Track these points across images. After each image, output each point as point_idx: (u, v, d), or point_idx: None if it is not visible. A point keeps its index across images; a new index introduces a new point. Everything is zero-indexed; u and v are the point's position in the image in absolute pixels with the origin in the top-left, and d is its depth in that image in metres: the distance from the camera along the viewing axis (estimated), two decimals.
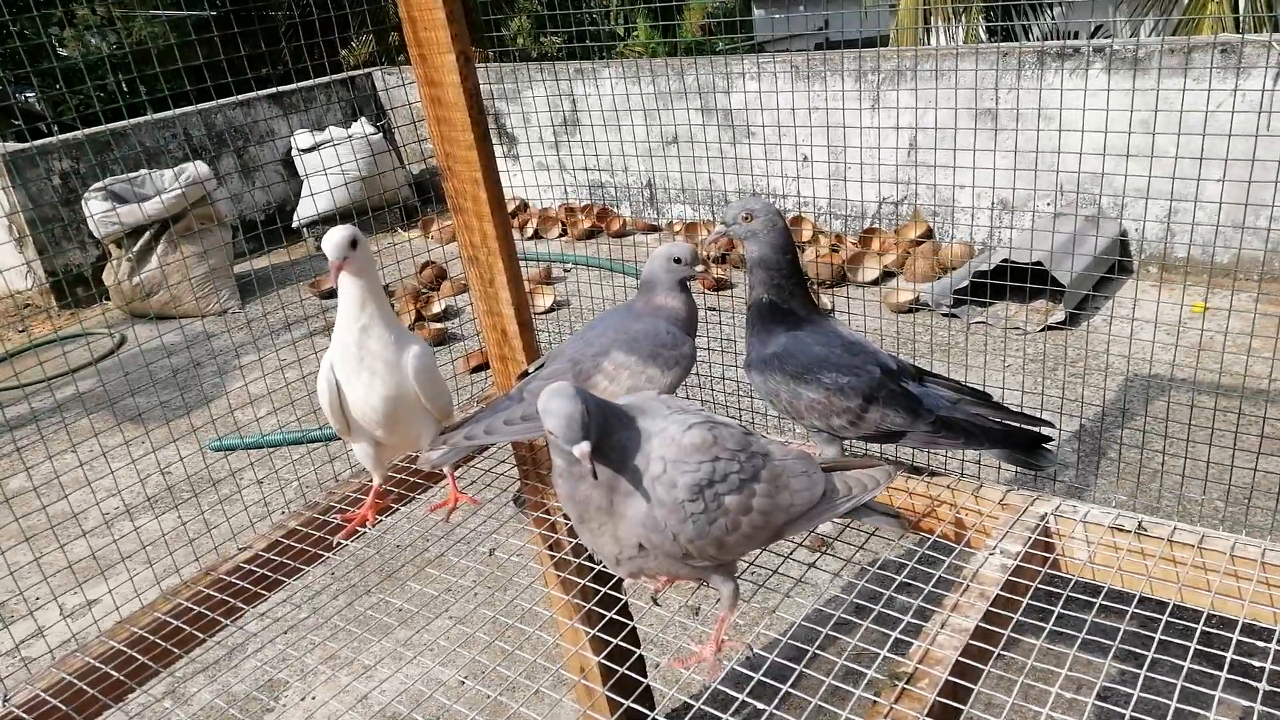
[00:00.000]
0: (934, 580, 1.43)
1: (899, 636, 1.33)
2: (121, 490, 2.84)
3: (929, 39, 8.27)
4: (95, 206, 6.26)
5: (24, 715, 1.48)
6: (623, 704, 1.31)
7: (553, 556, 1.84)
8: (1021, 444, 1.65)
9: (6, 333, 6.53)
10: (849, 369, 1.61)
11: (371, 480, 1.80)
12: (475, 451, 1.91)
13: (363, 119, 7.99)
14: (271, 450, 4.34)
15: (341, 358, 1.69)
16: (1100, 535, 1.49)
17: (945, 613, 1.35)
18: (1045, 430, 1.67)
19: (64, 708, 1.51)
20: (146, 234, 6.38)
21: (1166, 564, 1.43)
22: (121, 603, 1.94)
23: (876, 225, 6.11)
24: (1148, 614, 1.34)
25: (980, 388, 1.73)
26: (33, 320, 6.71)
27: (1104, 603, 1.33)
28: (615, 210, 7.24)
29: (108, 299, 6.59)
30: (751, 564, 1.47)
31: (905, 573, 1.43)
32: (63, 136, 6.85)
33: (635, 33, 12.10)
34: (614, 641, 1.45)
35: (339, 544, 1.69)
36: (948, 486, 1.66)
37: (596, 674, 2.11)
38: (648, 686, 2.09)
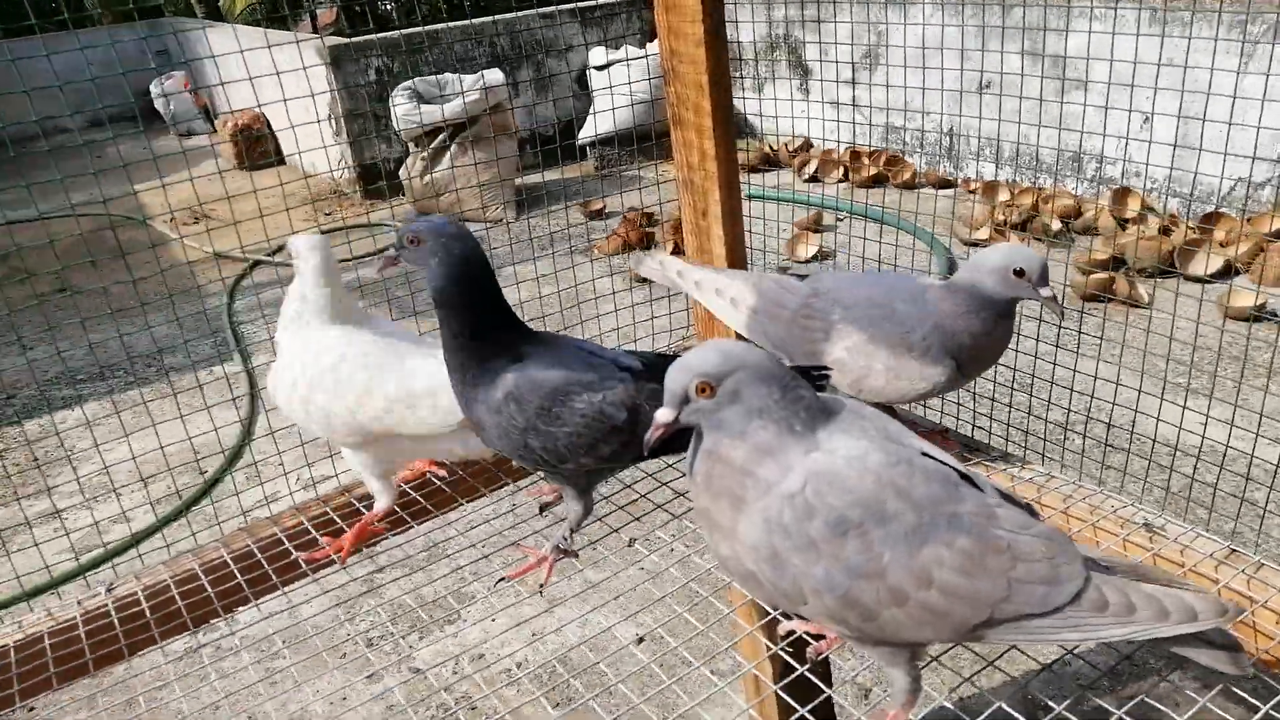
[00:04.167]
0: None
1: None
2: None
3: None
4: (400, 104, 6.60)
5: (227, 558, 1.53)
6: None
7: None
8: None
9: (316, 213, 7.14)
10: (599, 385, 1.26)
11: None
12: None
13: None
14: None
15: None
16: None
17: None
18: None
19: (239, 576, 1.51)
20: (442, 135, 6.66)
21: None
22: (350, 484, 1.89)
23: (1225, 210, 5.05)
24: None
25: None
26: (339, 205, 7.28)
27: None
28: (907, 158, 6.58)
29: (403, 194, 6.99)
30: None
31: (1189, 713, 0.97)
32: (382, 35, 7.26)
33: None
34: (799, 669, 1.14)
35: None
36: None
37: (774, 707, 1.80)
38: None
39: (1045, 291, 1.30)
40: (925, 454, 0.98)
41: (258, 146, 8.15)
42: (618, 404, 1.25)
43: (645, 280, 1.69)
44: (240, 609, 1.52)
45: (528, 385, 1.26)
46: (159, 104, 9.75)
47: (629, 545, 1.40)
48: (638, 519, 1.49)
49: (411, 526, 1.62)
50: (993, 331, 1.36)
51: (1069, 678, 1.33)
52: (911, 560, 0.90)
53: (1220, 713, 1.00)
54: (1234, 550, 1.24)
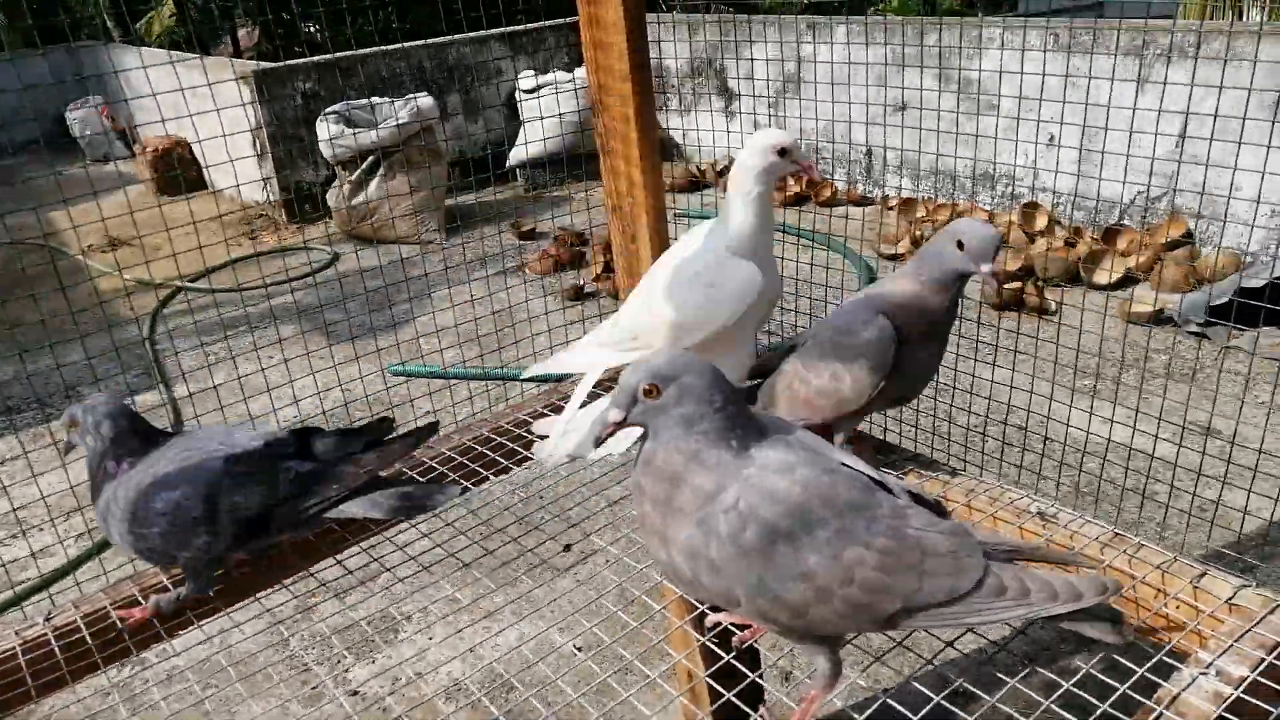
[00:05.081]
0: (1114, 697, 1.07)
1: None
2: (299, 400, 2.90)
3: (1225, 18, 7.16)
4: (328, 129, 6.57)
5: (167, 584, 1.52)
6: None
7: None
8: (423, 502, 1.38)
9: (240, 239, 7.04)
10: (180, 479, 1.35)
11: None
12: None
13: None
14: (448, 382, 4.38)
15: None
16: None
17: None
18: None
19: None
20: (370, 159, 6.65)
21: None
22: None
23: (1126, 222, 5.35)
24: None
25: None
26: (264, 231, 7.19)
27: None
28: (828, 178, 6.80)
29: (330, 218, 6.95)
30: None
31: (1074, 679, 1.08)
32: (311, 59, 7.23)
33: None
34: (726, 658, 1.22)
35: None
36: (1158, 567, 1.26)
37: (704, 695, 1.87)
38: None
39: (985, 268, 1.26)
40: (844, 464, 1.08)
41: (179, 172, 8.01)
42: (194, 498, 1.34)
43: (578, 298, 1.77)
44: (182, 632, 1.53)
45: (119, 492, 1.37)
46: (75, 130, 9.49)
47: (565, 550, 1.46)
48: (574, 525, 1.56)
49: (350, 542, 1.65)
50: (935, 304, 1.32)
51: (972, 654, 1.44)
52: (836, 562, 0.98)
53: (1103, 677, 1.11)
54: (1117, 534, 1.36)
